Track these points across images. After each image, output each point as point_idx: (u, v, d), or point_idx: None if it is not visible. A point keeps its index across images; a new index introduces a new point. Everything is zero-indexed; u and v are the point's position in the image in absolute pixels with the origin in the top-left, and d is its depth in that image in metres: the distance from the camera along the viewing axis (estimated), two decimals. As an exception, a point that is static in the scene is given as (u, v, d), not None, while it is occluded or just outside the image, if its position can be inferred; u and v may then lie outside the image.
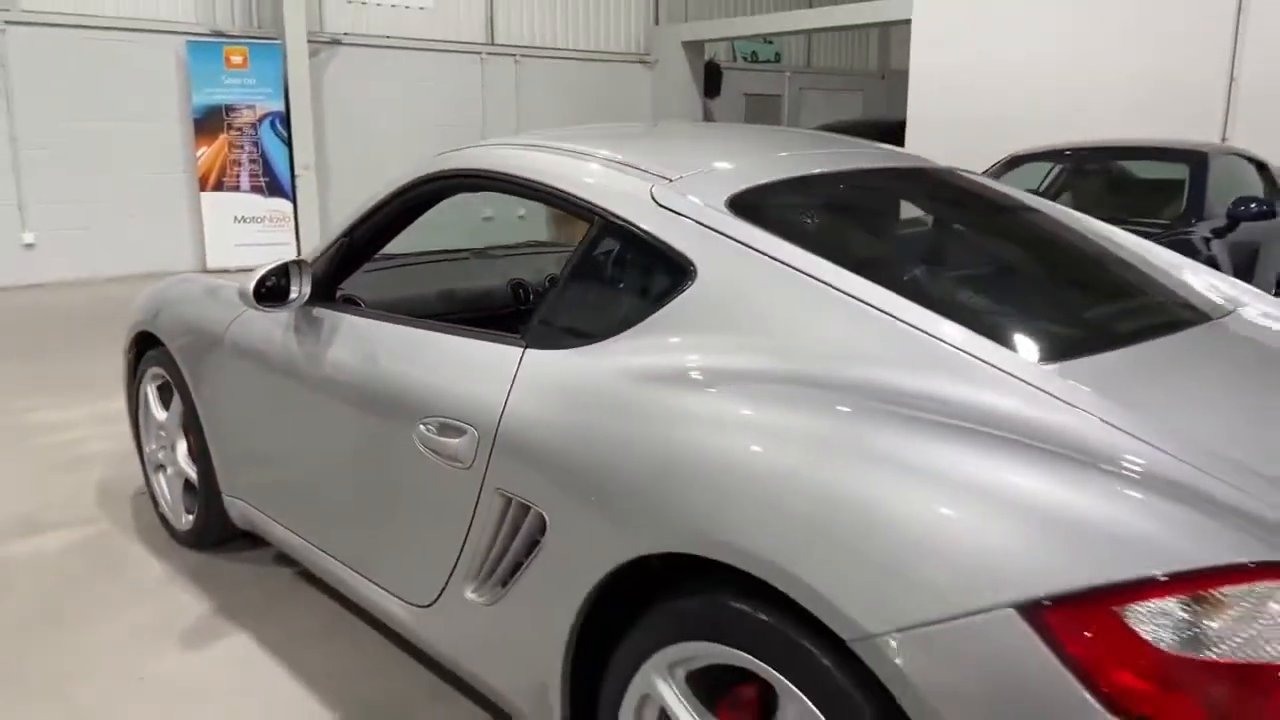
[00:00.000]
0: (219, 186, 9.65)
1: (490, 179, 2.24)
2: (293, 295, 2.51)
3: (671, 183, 1.95)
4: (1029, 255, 2.28)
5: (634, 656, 1.61)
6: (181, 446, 3.20)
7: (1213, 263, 5.28)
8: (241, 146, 9.68)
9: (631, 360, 1.75)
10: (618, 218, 1.93)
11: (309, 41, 9.98)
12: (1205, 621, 1.12)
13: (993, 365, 1.50)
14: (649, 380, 1.69)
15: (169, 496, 3.33)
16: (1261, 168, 6.73)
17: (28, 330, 6.96)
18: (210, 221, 9.63)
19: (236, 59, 9.55)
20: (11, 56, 8.67)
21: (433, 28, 11.23)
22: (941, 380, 1.49)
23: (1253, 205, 5.57)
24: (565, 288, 2.01)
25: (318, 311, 2.53)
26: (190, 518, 3.22)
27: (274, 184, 9.82)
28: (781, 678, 1.38)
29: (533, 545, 1.81)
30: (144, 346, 3.31)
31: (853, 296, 1.64)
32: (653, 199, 1.92)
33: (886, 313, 1.61)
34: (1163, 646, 1.12)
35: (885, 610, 1.24)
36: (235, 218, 9.69)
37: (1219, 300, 2.14)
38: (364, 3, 10.70)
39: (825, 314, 1.65)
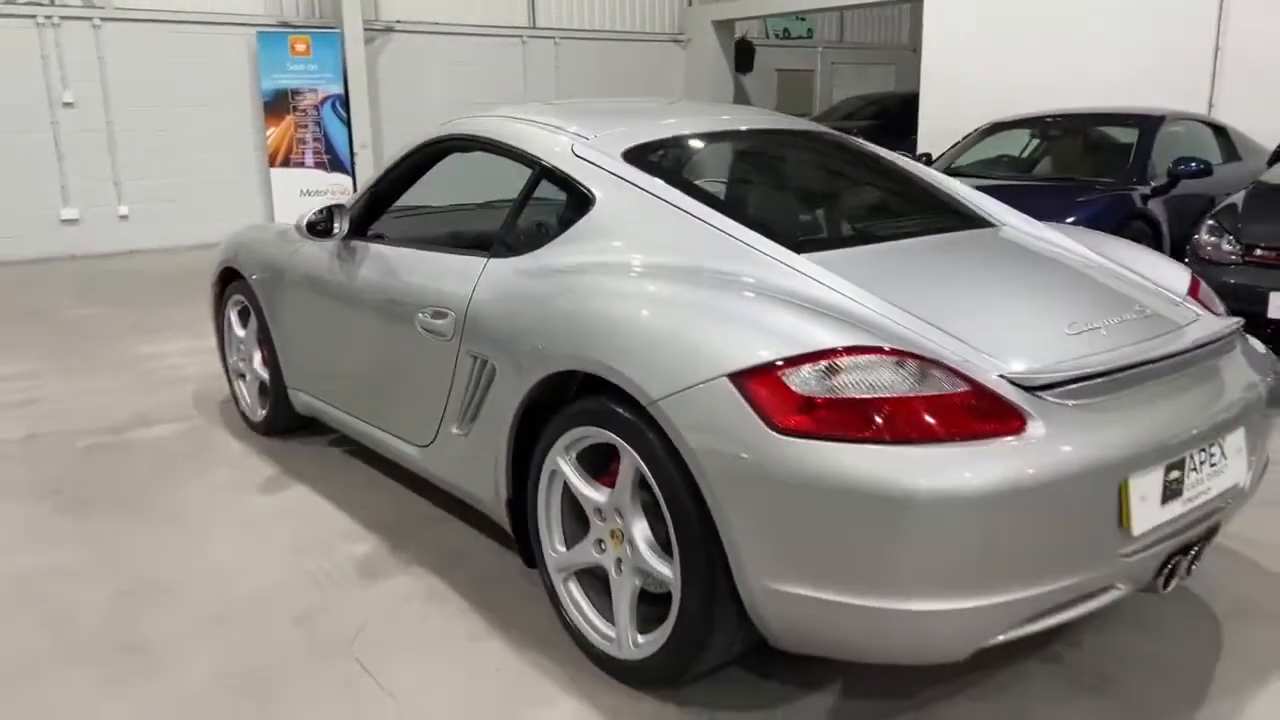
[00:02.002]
0: (286, 163, 10.72)
1: (471, 141, 3.14)
2: (335, 230, 3.43)
3: (588, 140, 2.82)
4: (833, 184, 3.14)
5: (546, 444, 2.49)
6: (257, 356, 4.16)
7: (1147, 217, 5.97)
8: (306, 127, 10.73)
9: (551, 261, 2.64)
10: (549, 165, 2.81)
11: (365, 29, 10.97)
12: (829, 378, 1.96)
13: (767, 254, 2.35)
14: (559, 272, 2.57)
15: (248, 397, 4.31)
16: (1220, 132, 7.31)
17: (126, 288, 8.07)
18: (279, 195, 10.70)
19: (300, 47, 10.58)
20: (107, 50, 9.80)
21: (478, 13, 12.14)
22: (735, 263, 2.35)
23: (1192, 164, 6.21)
24: (513, 217, 2.90)
25: (354, 244, 3.45)
26: (263, 411, 4.20)
27: (335, 160, 10.86)
28: (621, 440, 2.25)
29: (489, 386, 2.70)
30: (227, 279, 4.28)
31: (691, 214, 2.50)
32: (572, 151, 2.79)
33: (711, 224, 2.46)
34: (805, 393, 1.96)
35: (662, 385, 2.10)
36: (301, 191, 10.74)
37: (987, 218, 2.95)
38: (415, -8, 11.65)
39: (672, 225, 2.51)
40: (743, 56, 14.36)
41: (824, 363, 1.98)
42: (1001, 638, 1.99)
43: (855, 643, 2.02)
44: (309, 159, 10.78)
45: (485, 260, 2.84)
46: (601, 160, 2.73)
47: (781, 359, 2.00)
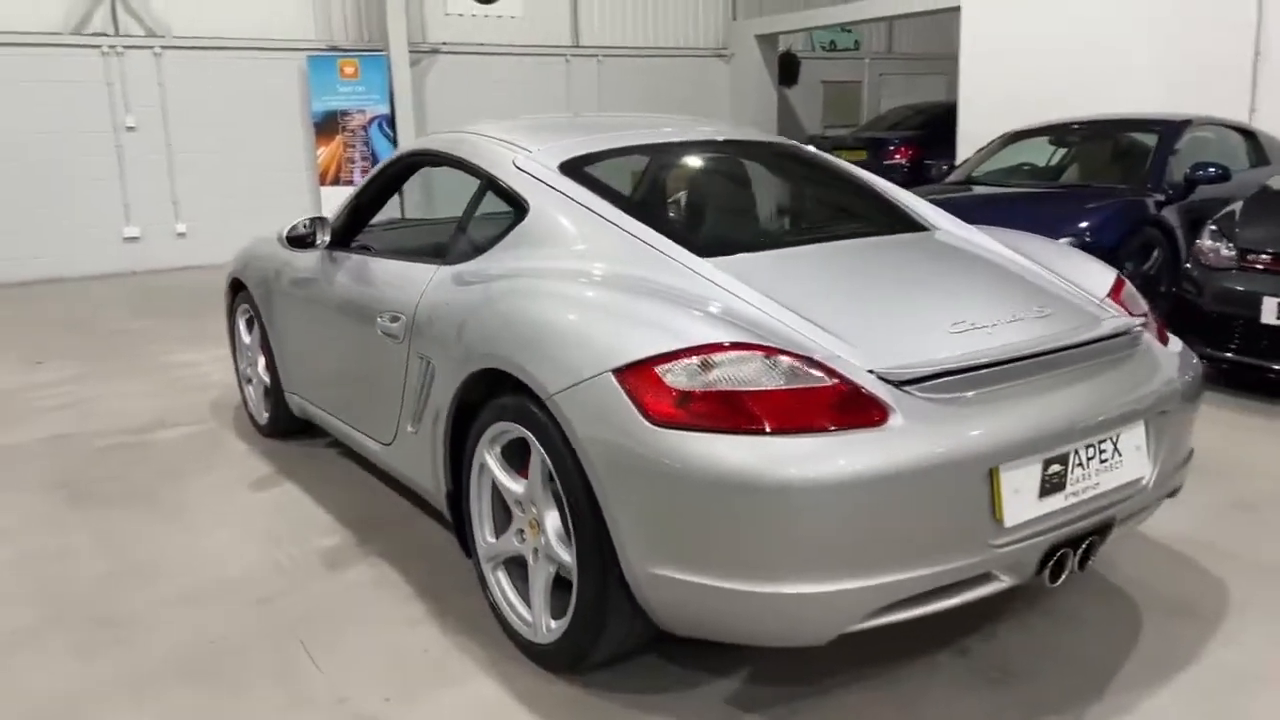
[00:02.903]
0: (335, 181, 11.14)
1: (431, 156, 3.32)
2: (317, 241, 3.64)
3: (529, 153, 2.97)
4: (766, 193, 3.25)
5: (474, 439, 2.64)
6: (261, 361, 4.41)
7: (1161, 224, 5.91)
8: (354, 146, 11.14)
9: (486, 267, 2.79)
10: (492, 176, 2.97)
11: (411, 51, 11.35)
12: (703, 373, 2.07)
13: (673, 259, 2.47)
14: (489, 277, 2.72)
15: (254, 400, 4.56)
16: (1249, 137, 7.16)
17: (176, 301, 8.50)
18: (328, 212, 11.09)
19: (349, 70, 11.01)
20: (166, 76, 10.33)
21: (523, 34, 12.46)
22: (642, 267, 2.48)
23: (1210, 169, 6.11)
24: (460, 227, 3.06)
25: (335, 254, 3.66)
26: (267, 414, 4.44)
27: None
28: (529, 434, 2.38)
29: (432, 385, 2.86)
30: (237, 290, 4.54)
31: (611, 221, 2.64)
32: (514, 164, 2.95)
33: (627, 231, 2.60)
34: (681, 387, 2.07)
35: (558, 380, 2.24)
36: (349, 208, 11.13)
37: (922, 223, 3.03)
38: (460, 15, 12.02)
39: (593, 232, 2.65)
40: (787, 70, 14.43)
41: (698, 358, 2.10)
42: (871, 622, 2.07)
43: (730, 625, 2.12)
44: (357, 176, 11.18)
45: (437, 268, 3.01)
46: (539, 172, 2.88)
47: (659, 355, 2.11)
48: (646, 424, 2.08)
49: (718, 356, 2.09)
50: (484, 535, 2.69)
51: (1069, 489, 2.22)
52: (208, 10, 10.50)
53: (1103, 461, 2.29)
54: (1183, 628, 2.64)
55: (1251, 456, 3.91)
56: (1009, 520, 2.12)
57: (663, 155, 3.24)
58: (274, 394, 4.29)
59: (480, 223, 3.07)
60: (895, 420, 2.04)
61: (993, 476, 2.09)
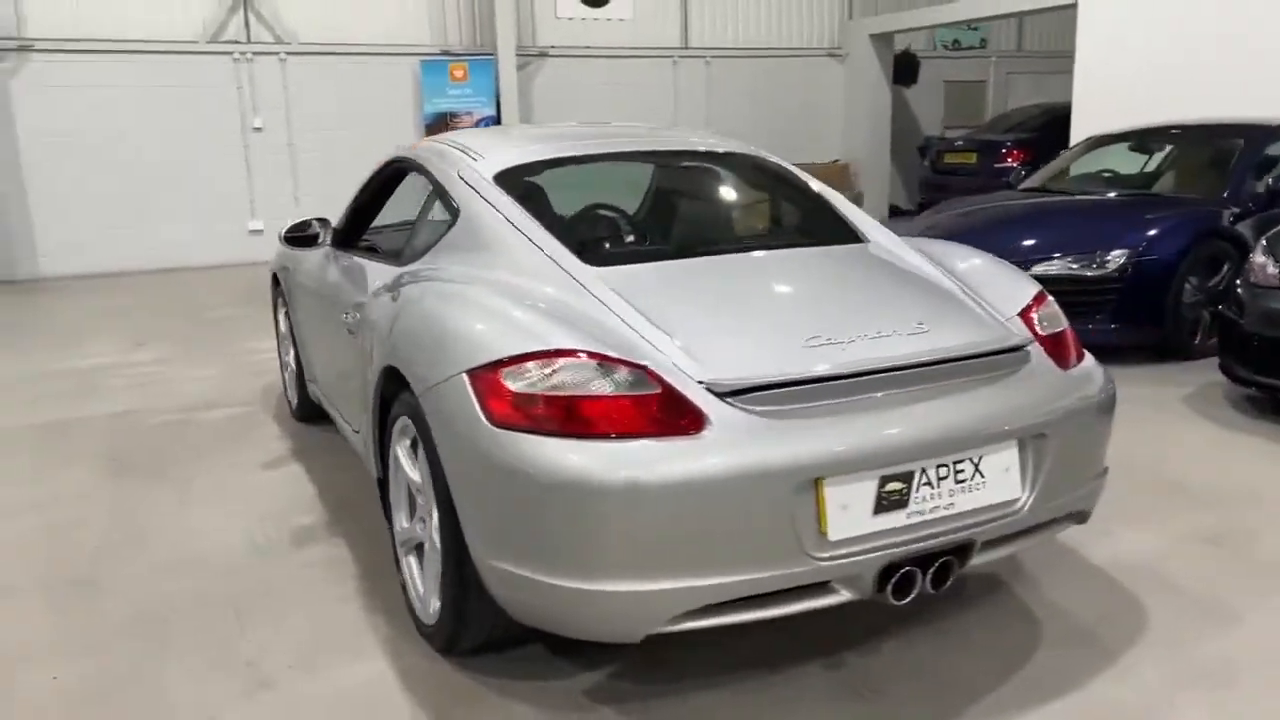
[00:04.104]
0: (443, 180, 11.62)
1: (403, 163, 3.53)
2: (319, 240, 3.92)
3: (474, 163, 3.14)
4: (687, 202, 3.31)
5: (389, 429, 2.82)
6: (292, 351, 4.75)
7: (1233, 237, 5.56)
8: (461, 146, 11.60)
9: (420, 269, 2.98)
10: (439, 184, 3.15)
11: (518, 55, 11.73)
12: (539, 378, 2.18)
13: (561, 266, 2.59)
14: (417, 280, 2.90)
15: (288, 384, 4.91)
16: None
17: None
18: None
19: (459, 73, 11.49)
20: (291, 80, 11.07)
21: (631, 36, 12.67)
22: (532, 276, 2.60)
23: (1297, 179, 5.69)
24: (414, 228, 3.26)
25: (336, 253, 3.93)
26: (295, 399, 4.78)
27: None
28: (415, 428, 2.54)
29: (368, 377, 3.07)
30: (276, 283, 4.90)
31: (520, 231, 2.77)
32: (457, 172, 3.11)
33: (530, 238, 2.73)
34: (517, 389, 2.19)
35: (427, 378, 2.39)
36: (455, 206, 11.62)
37: (859, 235, 3.03)
38: (570, 19, 12.33)
39: (501, 241, 2.78)
40: (905, 69, 14.09)
41: (534, 363, 2.20)
42: (688, 624, 2.13)
43: (556, 618, 2.23)
44: (464, 176, 11.64)
45: (391, 269, 3.22)
46: (475, 181, 3.03)
47: (504, 358, 2.23)
48: (486, 424, 2.20)
49: (558, 362, 2.20)
50: (400, 521, 2.88)
51: (912, 507, 2.21)
52: (332, 17, 11.17)
53: (959, 481, 2.27)
54: (1078, 657, 2.56)
55: (1260, 489, 3.68)
56: (834, 534, 2.13)
57: (611, 166, 3.35)
58: (299, 380, 4.62)
59: (431, 227, 3.26)
60: (710, 430, 2.10)
61: (817, 490, 2.11)
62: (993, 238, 5.82)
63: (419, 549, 2.82)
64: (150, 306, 8.54)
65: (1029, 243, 5.66)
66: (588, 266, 2.60)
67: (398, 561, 2.89)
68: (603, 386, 2.15)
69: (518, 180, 3.05)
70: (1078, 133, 10.35)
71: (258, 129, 10.99)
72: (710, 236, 3.17)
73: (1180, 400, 4.80)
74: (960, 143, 12.44)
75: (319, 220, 3.94)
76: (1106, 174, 6.89)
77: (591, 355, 2.20)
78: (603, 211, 3.54)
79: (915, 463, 2.21)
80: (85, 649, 2.74)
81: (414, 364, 2.49)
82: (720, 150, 3.53)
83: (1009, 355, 2.44)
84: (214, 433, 4.74)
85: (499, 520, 2.22)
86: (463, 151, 3.25)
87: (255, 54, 10.90)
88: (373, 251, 3.72)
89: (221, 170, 10.89)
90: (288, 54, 11.03)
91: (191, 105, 10.66)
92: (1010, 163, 11.74)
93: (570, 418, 2.13)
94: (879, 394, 2.24)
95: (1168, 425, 4.47)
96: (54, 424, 4.94)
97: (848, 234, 3.09)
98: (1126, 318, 5.40)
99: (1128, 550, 3.15)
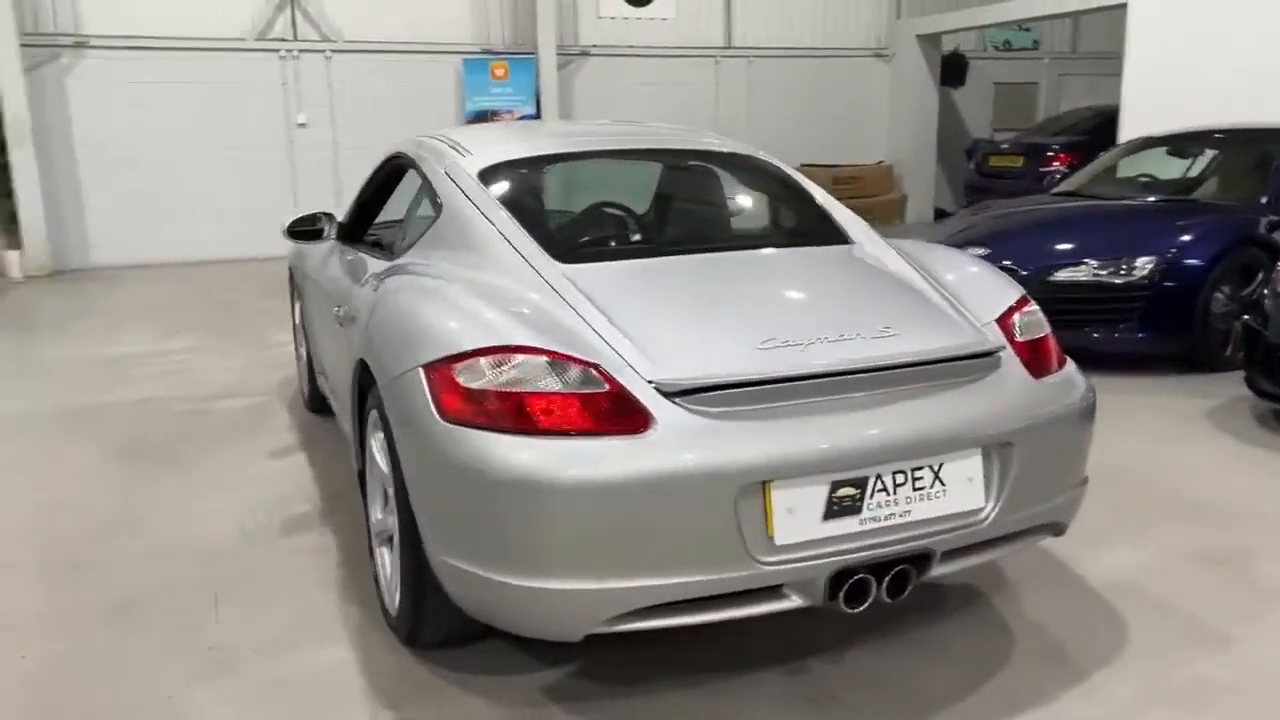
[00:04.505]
0: (483, 177, 11.71)
1: (400, 159, 3.55)
2: (324, 235, 3.97)
3: (462, 158, 3.15)
4: (670, 200, 3.28)
5: (366, 422, 2.85)
6: (304, 343, 4.83)
7: (1270, 246, 5.38)
8: (502, 144, 11.68)
9: (403, 263, 2.99)
10: (427, 180, 3.17)
11: (559, 54, 11.78)
12: (489, 374, 2.18)
13: (532, 265, 2.58)
14: (398, 273, 2.92)
15: (302, 376, 4.99)
16: None
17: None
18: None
19: (500, 71, 11.56)
20: (335, 77, 11.24)
21: (673, 35, 12.64)
22: (502, 272, 2.60)
23: (1341, 187, 5.48)
24: (405, 222, 3.28)
25: (340, 247, 3.98)
26: (307, 390, 4.85)
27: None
28: (382, 421, 2.56)
29: (353, 370, 3.10)
30: (292, 277, 4.98)
31: (495, 227, 2.77)
32: (443, 168, 3.13)
33: (503, 234, 2.72)
34: (469, 385, 2.19)
35: (389, 372, 2.41)
36: (494, 203, 11.71)
37: (845, 236, 2.98)
38: (613, 18, 12.34)
39: (476, 236, 2.79)
40: (953, 70, 13.86)
41: (486, 360, 2.20)
42: (632, 624, 2.11)
43: (501, 614, 2.23)
44: (504, 174, 11.72)
45: (382, 262, 3.24)
46: (460, 177, 3.04)
47: (456, 354, 2.24)
48: (438, 418, 2.21)
49: (510, 359, 2.19)
50: (374, 512, 2.90)
51: (866, 514, 2.17)
52: (377, 15, 11.32)
53: (917, 489, 2.22)
54: (1049, 674, 2.49)
55: (1270, 510, 3.54)
56: (780, 539, 2.10)
57: (587, 163, 3.34)
58: (309, 370, 4.69)
59: (418, 222, 3.28)
60: (654, 430, 2.08)
61: (764, 493, 2.08)
62: (1019, 242, 5.72)
63: (391, 541, 2.84)
64: (190, 298, 8.74)
65: (1056, 247, 5.53)
66: (557, 263, 2.59)
67: (372, 553, 2.91)
68: (552, 384, 2.15)
69: (503, 176, 3.05)
70: (1125, 136, 10.10)
71: (302, 125, 11.18)
72: (692, 235, 3.15)
73: (1202, 413, 4.64)
74: (1006, 146, 12.20)
75: (324, 214, 3.98)
76: (1144, 178, 6.70)
77: (543, 352, 2.19)
78: (609, 210, 3.54)
79: (870, 468, 2.16)
80: (60, 629, 2.81)
81: (381, 357, 2.52)
82: (718, 150, 3.50)
83: (977, 361, 2.38)
84: (228, 421, 4.83)
85: (449, 516, 2.22)
86: (452, 147, 3.27)
87: (301, 51, 11.09)
88: (372, 246, 3.76)
89: (266, 165, 11.09)
90: (333, 51, 11.20)
91: (238, 102, 10.87)
92: (1057, 166, 11.49)
93: (519, 415, 2.13)
94: (835, 397, 2.20)
95: (1184, 438, 4.33)
96: (78, 408, 5.08)
97: (835, 236, 3.04)
98: (1154, 326, 5.25)
99: (1119, 565, 3.06)
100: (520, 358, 2.19)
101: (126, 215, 10.63)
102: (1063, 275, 5.36)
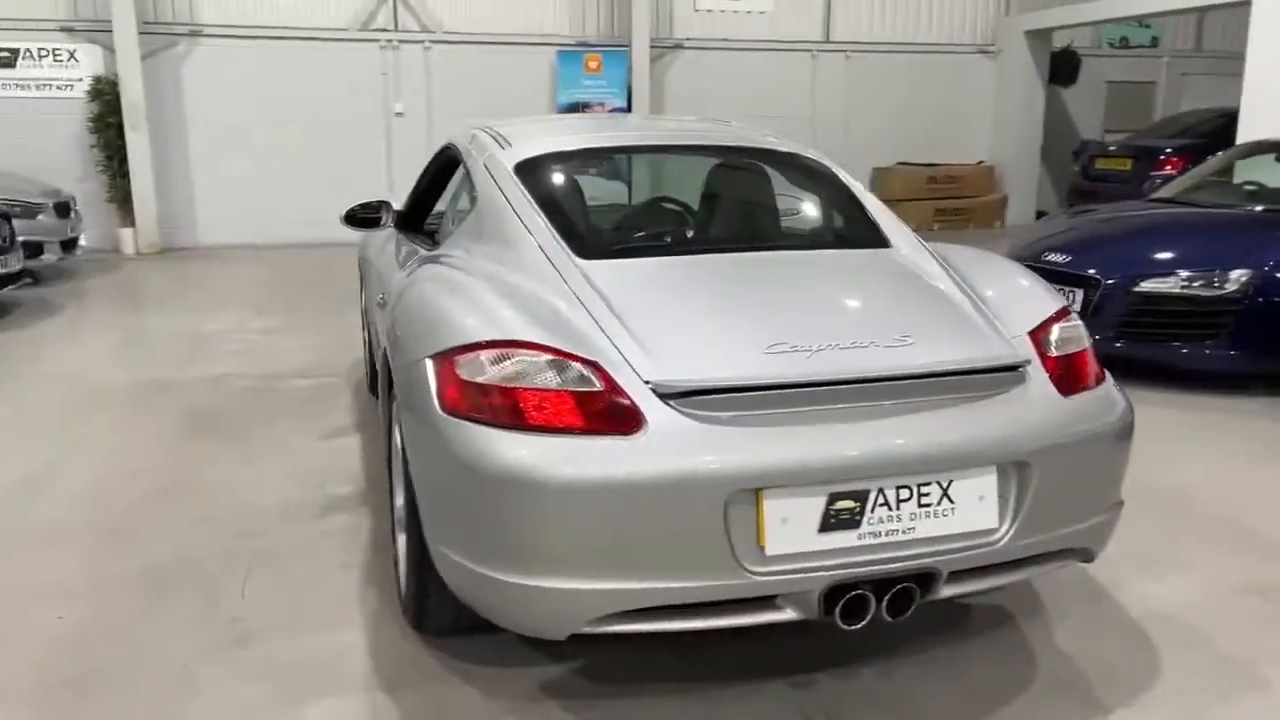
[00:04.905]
0: (572, 168, 11.80)
1: (450, 149, 3.59)
2: (380, 223, 4.04)
3: (501, 150, 3.16)
4: (710, 197, 3.21)
5: (392, 408, 2.89)
6: (366, 325, 4.94)
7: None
8: (592, 136, 11.75)
9: (440, 254, 3.02)
10: (467, 170, 3.19)
11: (653, 46, 11.75)
12: (489, 368, 2.18)
13: (550, 259, 2.56)
14: (430, 262, 2.95)
15: (366, 357, 5.11)
16: None
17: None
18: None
19: (593, 64, 11.62)
20: (433, 67, 11.47)
21: (770, 29, 12.47)
22: (522, 265, 2.59)
23: None
24: (448, 212, 3.31)
25: (396, 235, 4.05)
26: (370, 372, 4.96)
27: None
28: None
29: (391, 354, 3.15)
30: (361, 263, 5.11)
31: (521, 220, 2.76)
32: (483, 160, 3.14)
33: (529, 228, 2.71)
34: (469, 378, 2.19)
35: (403, 361, 2.43)
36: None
37: (885, 239, 2.88)
38: (709, 11, 12.26)
39: (505, 229, 2.78)
40: (1064, 68, 13.29)
41: (487, 354, 2.20)
42: (615, 627, 2.09)
43: (489, 608, 2.22)
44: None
45: (426, 251, 3.29)
46: (497, 170, 3.05)
47: (459, 346, 2.24)
48: (439, 411, 2.22)
49: (510, 354, 2.18)
50: (397, 497, 2.93)
51: (865, 528, 2.09)
52: (476, 7, 11.51)
53: (923, 505, 2.12)
54: (1068, 709, 2.36)
55: (1350, 541, 3.30)
56: (771, 549, 2.04)
57: (635, 159, 3.31)
58: (370, 355, 4.80)
59: (458, 213, 3.31)
60: (646, 432, 2.04)
61: (757, 501, 2.03)
62: (1103, 250, 5.47)
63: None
64: (282, 278, 9.05)
65: (1144, 256, 5.25)
66: (577, 259, 2.57)
67: (394, 537, 2.95)
68: (549, 381, 2.13)
69: (540, 170, 3.05)
70: (1242, 139, 9.54)
71: (399, 114, 11.45)
72: (727, 234, 3.09)
73: (1289, 438, 4.36)
74: (1114, 148, 11.65)
75: (383, 203, 4.06)
76: (1250, 186, 6.30)
77: (545, 349, 2.18)
78: (667, 205, 3.51)
79: (871, 481, 2.08)
80: (98, 591, 2.93)
81: (398, 344, 2.55)
82: (768, 148, 3.42)
83: (997, 375, 2.26)
84: (293, 400, 4.98)
85: (446, 507, 2.23)
86: (494, 139, 3.28)
87: (401, 42, 11.35)
88: (424, 235, 3.82)
89: (364, 152, 11.39)
90: (431, 42, 11.43)
91: (340, 91, 11.20)
92: (1169, 171, 10.93)
93: (514, 410, 2.12)
94: (839, 406, 2.12)
95: (1260, 464, 4.06)
96: (153, 382, 5.32)
97: (874, 239, 2.94)
98: (1245, 343, 4.94)
99: (1163, 595, 2.88)
100: (521, 353, 2.18)
101: (232, 197, 11.07)
102: (1149, 285, 5.09)
